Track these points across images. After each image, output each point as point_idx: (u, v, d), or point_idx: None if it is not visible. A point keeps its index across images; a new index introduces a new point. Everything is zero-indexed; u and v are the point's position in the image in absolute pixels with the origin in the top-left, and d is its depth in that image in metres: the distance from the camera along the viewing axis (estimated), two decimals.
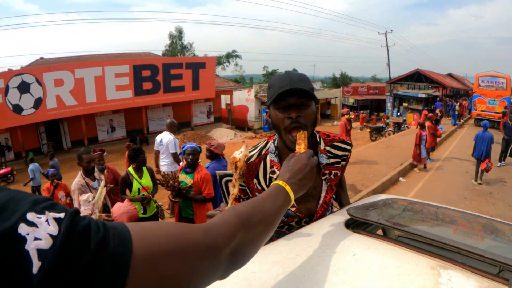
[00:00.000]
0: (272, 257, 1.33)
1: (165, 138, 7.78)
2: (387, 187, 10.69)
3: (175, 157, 7.70)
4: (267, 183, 1.81)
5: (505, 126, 11.75)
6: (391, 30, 43.46)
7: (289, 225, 1.92)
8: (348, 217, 1.63)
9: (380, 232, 1.99)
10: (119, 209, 3.35)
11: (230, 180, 3.82)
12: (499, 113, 22.68)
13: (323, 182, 1.87)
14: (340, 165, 1.89)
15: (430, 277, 1.12)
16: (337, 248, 1.35)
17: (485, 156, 11.13)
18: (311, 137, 1.77)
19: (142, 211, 5.33)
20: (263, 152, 1.86)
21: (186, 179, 4.95)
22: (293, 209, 1.83)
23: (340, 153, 1.89)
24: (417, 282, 1.09)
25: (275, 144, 1.85)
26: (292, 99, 1.58)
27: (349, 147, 1.93)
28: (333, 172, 1.87)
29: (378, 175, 11.12)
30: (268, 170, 1.81)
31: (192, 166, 5.00)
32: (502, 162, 12.34)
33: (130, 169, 5.44)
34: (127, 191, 5.46)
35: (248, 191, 1.90)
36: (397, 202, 2.20)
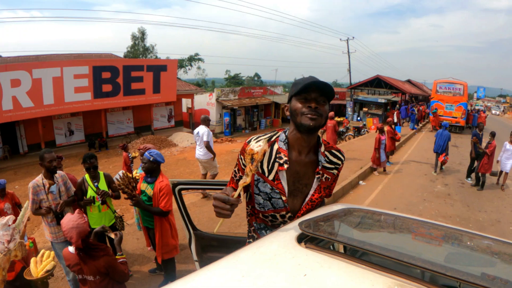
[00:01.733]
0: (217, 279, 1.21)
1: (201, 130, 9.04)
2: (347, 190, 10.77)
3: (208, 146, 8.80)
4: (269, 167, 1.96)
5: (505, 149, 11.60)
6: (353, 37, 44.01)
7: (273, 216, 2.08)
8: (300, 231, 1.55)
9: (335, 245, 1.89)
10: (68, 222, 3.19)
11: (184, 189, 3.74)
12: (456, 117, 23.45)
13: (315, 179, 2.03)
14: (332, 172, 2.09)
15: None
16: (287, 267, 1.24)
17: (442, 150, 13.13)
18: (315, 138, 2.02)
19: (100, 202, 5.11)
20: (272, 139, 2.02)
21: (147, 189, 4.73)
22: (284, 198, 1.99)
23: (335, 160, 2.08)
24: None
25: (286, 134, 2.01)
26: (314, 93, 1.84)
27: (342, 158, 2.13)
28: (325, 175, 2.04)
29: (339, 179, 11.10)
30: (274, 155, 1.96)
31: (152, 176, 4.75)
32: (469, 178, 12.46)
33: (86, 176, 5.16)
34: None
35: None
36: (352, 213, 2.12)
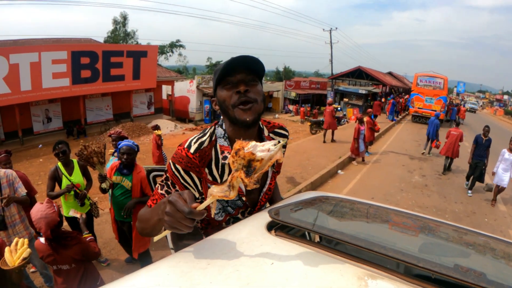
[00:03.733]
0: (181, 267, 1.15)
1: None
2: (326, 179, 10.86)
3: None
4: (219, 171, 1.65)
5: (476, 142, 10.78)
6: (336, 28, 43.94)
7: (235, 218, 1.81)
8: (270, 219, 1.48)
9: (306, 234, 1.84)
10: (37, 213, 3.11)
11: (159, 175, 3.65)
12: (435, 111, 23.96)
13: (269, 170, 1.82)
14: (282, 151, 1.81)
15: None
16: (255, 255, 1.19)
17: (432, 135, 14.96)
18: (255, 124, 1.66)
19: (79, 204, 5.05)
20: (213, 138, 1.67)
21: (123, 182, 4.58)
22: (244, 198, 1.74)
23: (280, 139, 1.86)
24: None
25: (223, 127, 1.70)
26: (239, 75, 1.54)
27: (287, 133, 1.96)
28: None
29: (317, 168, 11.24)
30: (220, 156, 1.65)
31: (128, 167, 4.60)
32: (469, 192, 10.72)
33: (60, 164, 5.00)
34: (58, 188, 5.02)
35: (198, 182, 1.64)
36: (326, 201, 2.07)
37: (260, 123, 1.82)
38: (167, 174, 1.65)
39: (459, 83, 74.07)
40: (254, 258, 1.18)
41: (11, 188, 4.31)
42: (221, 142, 1.67)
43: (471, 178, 10.67)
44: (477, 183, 10.75)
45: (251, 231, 1.41)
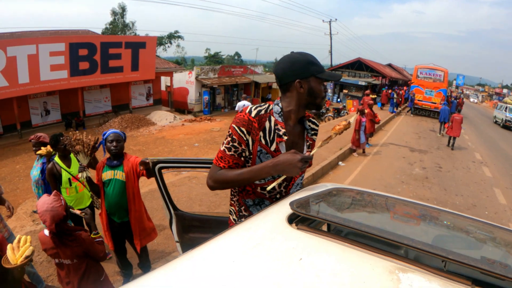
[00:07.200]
0: (207, 264, 1.13)
1: (246, 103, 10.83)
2: (327, 171, 10.83)
3: None
4: (270, 139, 2.00)
5: None
6: (336, 19, 44.00)
7: (272, 187, 2.08)
8: (291, 211, 1.46)
9: (326, 226, 1.84)
10: (43, 205, 3.05)
11: (165, 167, 3.60)
12: (435, 103, 23.95)
13: (305, 147, 2.18)
14: (313, 138, 2.24)
15: (390, 283, 0.97)
16: (281, 251, 1.16)
17: (444, 119, 18.67)
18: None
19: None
20: (268, 111, 2.05)
21: (116, 175, 4.18)
22: None
23: (314, 126, 2.25)
24: None
25: (280, 106, 2.08)
26: (327, 83, 2.18)
27: (317, 126, 2.29)
28: (309, 141, 2.21)
29: (318, 159, 11.19)
30: (273, 127, 2.01)
31: (117, 157, 4.21)
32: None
33: (56, 158, 4.85)
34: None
35: (251, 143, 2.00)
36: (344, 193, 2.07)
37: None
38: (233, 137, 1.99)
39: (458, 76, 74.19)
40: (281, 254, 1.15)
41: None
42: (277, 117, 2.04)
43: None
44: None
45: (273, 225, 1.39)
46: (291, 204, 1.51)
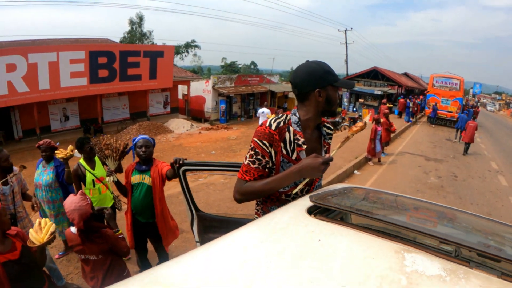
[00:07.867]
0: (238, 243, 1.33)
1: (265, 110, 12.84)
2: (342, 179, 10.88)
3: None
4: (291, 149, 2.09)
5: None
6: (351, 28, 44.10)
7: (295, 194, 2.17)
8: (310, 204, 1.65)
9: (343, 218, 2.02)
10: (71, 204, 3.20)
11: (190, 170, 3.74)
12: (451, 112, 23.88)
13: (323, 152, 2.28)
14: (329, 142, 2.37)
15: (395, 260, 1.14)
16: (302, 234, 1.35)
17: (462, 127, 18.69)
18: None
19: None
20: (286, 122, 2.13)
21: (144, 179, 4.28)
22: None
23: (329, 131, 2.38)
24: (383, 265, 1.10)
25: (298, 116, 2.16)
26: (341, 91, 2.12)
27: (332, 130, 2.43)
28: (326, 146, 2.32)
29: (333, 168, 11.26)
30: (292, 138, 2.10)
31: (146, 162, 4.30)
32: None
33: (81, 160, 5.10)
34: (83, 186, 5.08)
35: (273, 154, 2.09)
36: (356, 190, 2.24)
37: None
38: (256, 150, 2.08)
39: (475, 84, 73.33)
40: (301, 236, 1.34)
41: (21, 185, 4.70)
42: (295, 127, 2.13)
43: None
44: None
45: (293, 215, 1.56)
46: (311, 197, 1.72)
